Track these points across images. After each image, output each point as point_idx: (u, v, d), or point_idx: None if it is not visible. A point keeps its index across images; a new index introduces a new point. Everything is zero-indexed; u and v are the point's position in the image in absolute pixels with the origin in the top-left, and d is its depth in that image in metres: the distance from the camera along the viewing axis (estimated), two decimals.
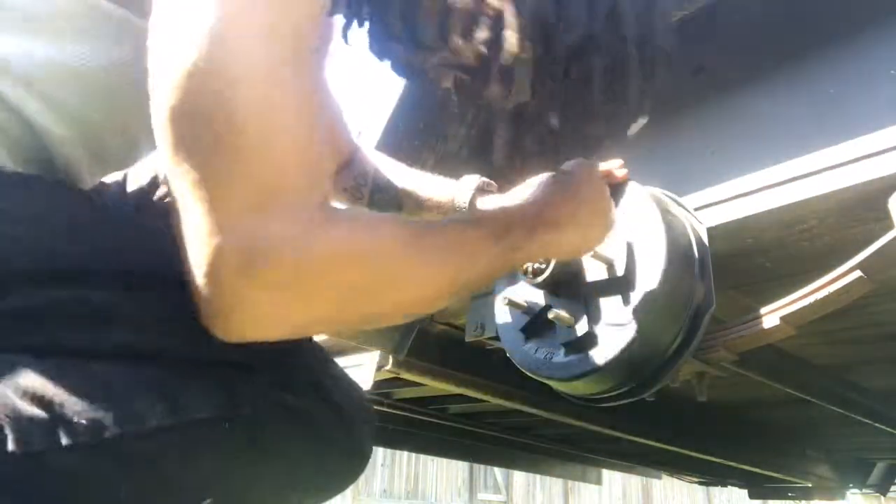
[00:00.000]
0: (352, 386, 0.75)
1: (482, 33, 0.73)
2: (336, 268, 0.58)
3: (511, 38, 0.72)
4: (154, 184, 0.95)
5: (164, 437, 0.57)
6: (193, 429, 0.59)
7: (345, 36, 0.76)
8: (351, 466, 0.76)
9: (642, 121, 0.86)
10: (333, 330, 0.63)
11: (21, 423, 0.52)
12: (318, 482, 0.74)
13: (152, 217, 0.84)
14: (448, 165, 1.48)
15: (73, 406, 0.54)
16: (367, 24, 0.74)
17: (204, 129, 0.54)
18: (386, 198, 1.08)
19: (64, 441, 0.53)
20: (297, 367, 0.68)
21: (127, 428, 0.55)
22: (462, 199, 1.06)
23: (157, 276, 0.62)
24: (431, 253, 0.68)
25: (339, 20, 0.73)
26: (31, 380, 0.54)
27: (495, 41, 0.73)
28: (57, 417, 0.53)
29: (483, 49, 0.73)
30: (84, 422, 0.54)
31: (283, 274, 0.55)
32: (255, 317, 0.56)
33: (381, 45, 0.78)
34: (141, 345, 0.59)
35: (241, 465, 0.63)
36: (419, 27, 0.73)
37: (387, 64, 0.79)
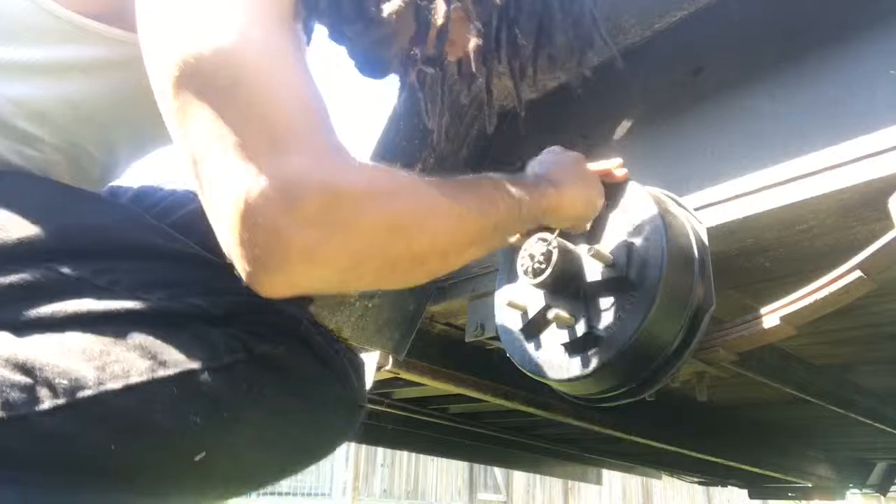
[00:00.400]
0: (338, 339, 0.75)
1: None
2: (369, 200, 0.58)
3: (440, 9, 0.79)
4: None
5: (147, 391, 0.58)
6: (176, 382, 0.59)
7: (307, 30, 0.81)
8: (347, 415, 0.75)
9: (627, 123, 0.91)
10: (378, 279, 0.60)
11: (3, 389, 0.54)
12: (311, 432, 0.73)
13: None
14: (448, 165, 1.48)
15: (53, 369, 0.56)
16: (324, 13, 0.79)
17: (210, 88, 0.55)
18: None
19: (46, 403, 0.55)
20: (278, 317, 0.68)
21: (109, 386, 0.57)
22: None
23: (135, 248, 0.65)
24: (454, 193, 0.69)
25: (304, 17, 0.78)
26: (10, 350, 0.56)
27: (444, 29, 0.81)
28: (38, 381, 0.55)
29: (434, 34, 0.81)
30: (65, 382, 0.55)
31: (319, 205, 0.54)
32: (304, 258, 0.54)
33: (336, 30, 0.84)
34: (114, 308, 0.60)
35: (227, 415, 0.63)
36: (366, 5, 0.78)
37: (345, 51, 0.85)
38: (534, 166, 0.94)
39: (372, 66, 0.88)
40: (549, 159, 0.96)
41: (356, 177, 0.58)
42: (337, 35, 0.87)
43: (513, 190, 0.80)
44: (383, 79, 0.91)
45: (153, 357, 0.59)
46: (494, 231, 0.75)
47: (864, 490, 3.75)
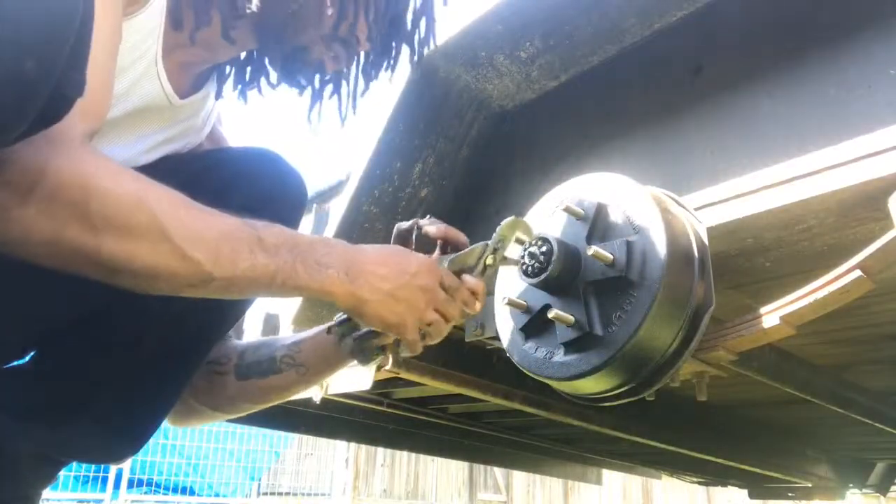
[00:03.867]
0: None
1: None
2: (79, 189, 0.63)
3: None
4: None
5: None
6: None
7: (192, 37, 0.93)
8: None
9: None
10: (59, 264, 0.67)
11: None
12: None
13: None
14: (448, 165, 1.48)
15: None
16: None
17: None
18: (259, 368, 1.11)
19: None
20: None
21: None
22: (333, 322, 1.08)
23: None
24: (194, 231, 0.71)
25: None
26: None
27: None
28: None
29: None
30: None
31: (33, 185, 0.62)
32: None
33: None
34: None
35: None
36: None
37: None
38: (348, 251, 0.87)
39: (296, 71, 0.99)
40: (373, 256, 0.89)
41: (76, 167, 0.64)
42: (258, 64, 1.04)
43: (280, 255, 0.77)
44: (307, 84, 1.05)
45: None
46: (227, 286, 0.74)
47: (864, 490, 3.74)
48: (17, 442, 0.91)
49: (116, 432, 0.99)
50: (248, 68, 1.10)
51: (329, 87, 1.10)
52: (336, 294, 0.84)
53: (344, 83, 1.10)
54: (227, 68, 1.10)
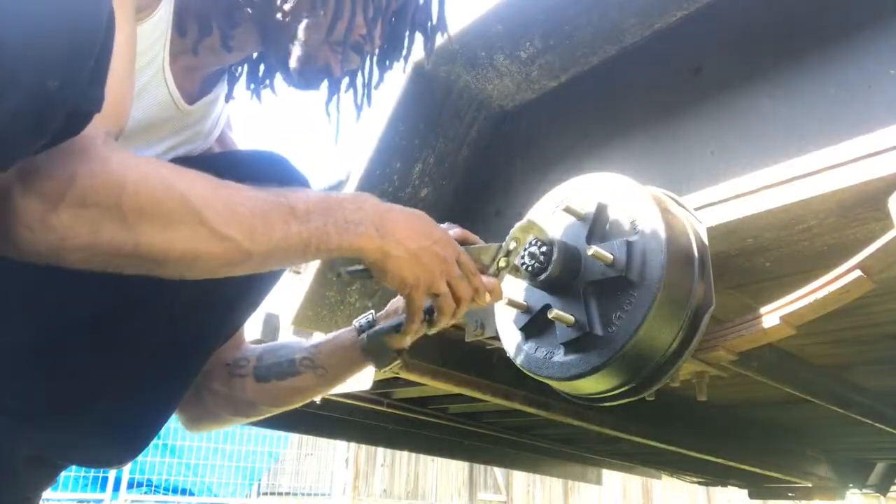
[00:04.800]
0: None
1: None
2: (103, 188, 0.65)
3: None
4: None
5: None
6: None
7: (195, 48, 0.94)
8: None
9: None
10: (94, 262, 0.68)
11: None
12: None
13: None
14: (448, 165, 1.48)
15: None
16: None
17: None
18: (278, 370, 1.11)
19: None
20: None
21: None
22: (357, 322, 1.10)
23: None
24: (226, 207, 0.72)
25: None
26: None
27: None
28: None
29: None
30: None
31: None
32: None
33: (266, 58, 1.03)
34: None
35: None
36: None
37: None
38: (379, 207, 0.88)
39: (305, 75, 0.98)
40: (402, 216, 0.91)
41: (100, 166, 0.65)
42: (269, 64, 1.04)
43: (312, 221, 0.79)
44: (318, 87, 1.02)
45: None
46: (264, 259, 0.76)
47: (864, 490, 3.74)
48: (17, 444, 0.91)
49: (116, 436, 0.99)
50: (262, 66, 1.09)
51: (346, 80, 1.09)
52: (366, 249, 0.85)
53: (359, 75, 1.09)
54: (239, 69, 1.09)
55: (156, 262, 0.69)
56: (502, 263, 0.99)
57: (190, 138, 1.06)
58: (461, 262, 0.94)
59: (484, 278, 0.97)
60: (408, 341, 1.04)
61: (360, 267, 0.93)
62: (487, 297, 0.98)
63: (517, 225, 0.99)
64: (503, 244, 0.99)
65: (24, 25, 0.53)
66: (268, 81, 1.09)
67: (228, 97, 1.10)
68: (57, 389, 0.94)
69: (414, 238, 0.88)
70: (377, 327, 1.06)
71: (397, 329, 1.02)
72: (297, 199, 0.79)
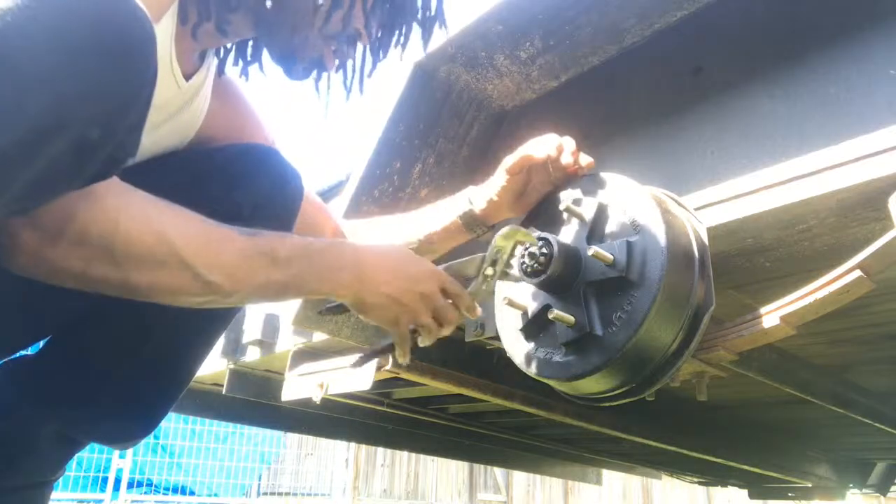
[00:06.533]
0: None
1: None
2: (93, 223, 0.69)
3: None
4: None
5: None
6: None
7: (195, 33, 0.93)
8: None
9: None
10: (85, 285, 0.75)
11: None
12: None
13: None
14: (448, 165, 1.48)
15: None
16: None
17: None
18: None
19: None
20: None
21: None
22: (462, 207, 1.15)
23: None
24: (208, 249, 0.78)
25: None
26: None
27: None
28: None
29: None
30: None
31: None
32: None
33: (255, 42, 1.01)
34: None
35: None
36: None
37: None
38: (358, 254, 0.93)
39: (296, 66, 1.00)
40: (382, 260, 0.95)
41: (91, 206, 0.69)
42: (256, 48, 1.05)
43: (292, 268, 0.84)
44: (307, 76, 1.03)
45: None
46: (243, 299, 0.84)
47: (864, 490, 3.74)
48: (37, 423, 0.97)
49: (130, 413, 1.03)
50: (250, 45, 1.08)
51: (336, 62, 1.08)
52: (344, 296, 0.93)
53: (349, 60, 1.08)
54: (229, 44, 1.08)
55: (142, 295, 0.77)
56: (488, 272, 1.00)
57: (181, 112, 1.05)
58: (446, 290, 0.98)
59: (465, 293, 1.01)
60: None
61: (336, 303, 0.96)
62: (478, 310, 1.02)
63: (498, 233, 0.99)
64: (486, 255, 1.00)
65: (82, 79, 0.57)
66: (257, 59, 1.08)
67: (220, 71, 1.09)
68: (73, 371, 0.98)
69: (393, 282, 0.93)
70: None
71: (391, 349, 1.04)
72: (280, 244, 0.85)
